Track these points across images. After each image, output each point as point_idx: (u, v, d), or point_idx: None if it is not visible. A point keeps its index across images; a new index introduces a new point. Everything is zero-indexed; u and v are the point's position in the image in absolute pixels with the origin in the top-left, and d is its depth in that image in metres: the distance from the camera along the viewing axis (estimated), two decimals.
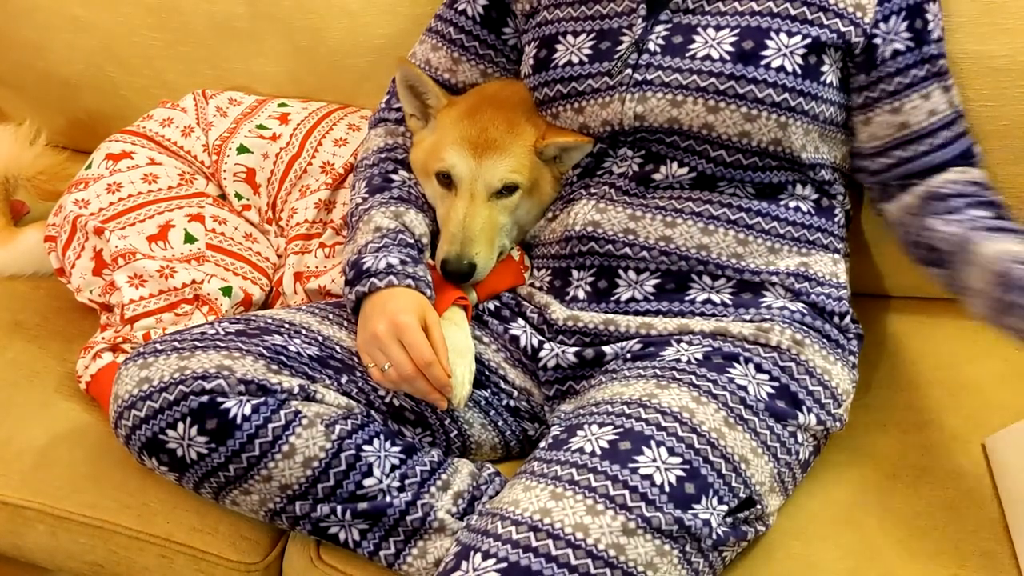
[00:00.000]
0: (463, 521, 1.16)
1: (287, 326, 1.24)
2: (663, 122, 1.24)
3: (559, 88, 1.31)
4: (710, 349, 1.19)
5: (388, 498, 1.16)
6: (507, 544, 1.00)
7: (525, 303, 1.33)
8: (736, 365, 1.18)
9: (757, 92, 1.20)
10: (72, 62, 1.82)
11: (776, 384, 1.18)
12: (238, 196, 1.57)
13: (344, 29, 1.66)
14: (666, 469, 1.05)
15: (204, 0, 1.71)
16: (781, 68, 1.20)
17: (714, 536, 1.06)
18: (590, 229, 1.27)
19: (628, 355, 1.22)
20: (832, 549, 1.17)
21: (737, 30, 1.22)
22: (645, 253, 1.25)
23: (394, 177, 1.37)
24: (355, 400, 1.22)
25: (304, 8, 1.67)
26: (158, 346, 1.18)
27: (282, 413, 1.14)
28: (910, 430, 1.30)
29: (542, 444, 1.13)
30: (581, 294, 1.28)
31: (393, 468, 1.17)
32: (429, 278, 1.26)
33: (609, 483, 1.03)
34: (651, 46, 1.25)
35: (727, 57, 1.21)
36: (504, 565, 0.98)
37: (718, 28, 1.23)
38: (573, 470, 1.04)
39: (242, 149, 1.56)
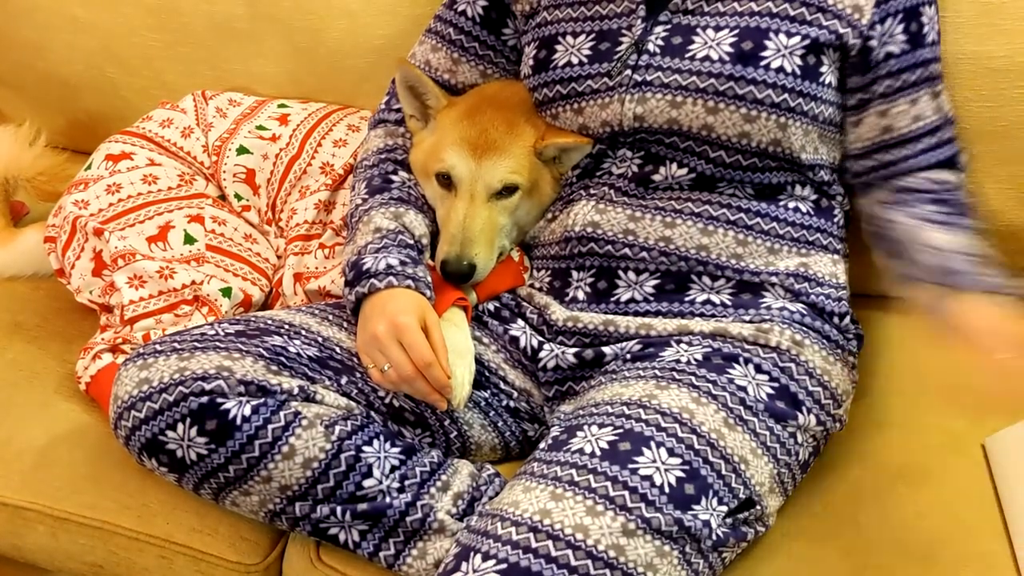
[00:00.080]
0: (463, 522, 1.16)
1: (287, 327, 1.24)
2: (662, 123, 1.24)
3: (558, 89, 1.31)
4: (710, 350, 1.19)
5: (388, 499, 1.16)
6: (507, 545, 1.00)
7: (525, 304, 1.33)
8: (736, 366, 1.18)
9: (757, 93, 1.20)
10: (72, 63, 1.82)
11: (776, 385, 1.18)
12: (238, 197, 1.57)
13: (344, 30, 1.66)
14: (666, 470, 1.05)
15: (204, 1, 1.71)
16: (780, 69, 1.20)
17: (714, 537, 1.06)
18: (590, 230, 1.27)
19: (628, 356, 1.22)
20: (832, 549, 1.17)
21: (736, 31, 1.22)
22: (645, 254, 1.25)
23: (394, 178, 1.37)
24: (355, 401, 1.22)
25: (304, 9, 1.67)
26: (158, 347, 1.18)
27: (282, 414, 1.14)
28: (910, 430, 1.30)
29: (542, 445, 1.13)
30: (581, 295, 1.28)
31: (393, 469, 1.17)
32: (429, 279, 1.26)
33: (609, 484, 1.03)
34: (650, 47, 1.25)
35: (726, 58, 1.21)
36: (504, 566, 0.98)
37: (717, 29, 1.23)
38: (573, 471, 1.04)
39: (242, 150, 1.56)
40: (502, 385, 1.30)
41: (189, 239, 1.48)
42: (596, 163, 1.31)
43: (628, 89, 1.25)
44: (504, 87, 1.41)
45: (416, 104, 1.40)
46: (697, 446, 1.08)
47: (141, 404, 1.14)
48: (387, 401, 1.24)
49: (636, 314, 1.25)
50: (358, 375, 1.23)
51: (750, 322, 1.23)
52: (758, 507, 1.13)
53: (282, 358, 1.19)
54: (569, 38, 1.31)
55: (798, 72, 1.21)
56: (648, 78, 1.24)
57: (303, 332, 1.25)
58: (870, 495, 1.23)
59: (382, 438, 1.19)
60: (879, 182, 1.29)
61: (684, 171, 1.26)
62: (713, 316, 1.24)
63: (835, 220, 1.31)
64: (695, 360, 1.18)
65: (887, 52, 1.23)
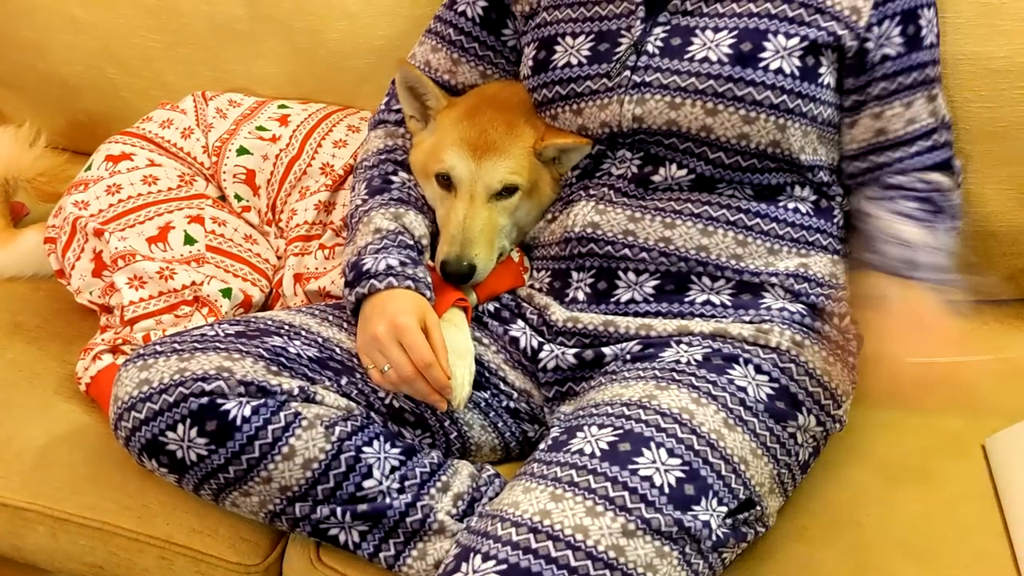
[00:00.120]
0: (463, 523, 1.16)
1: (287, 328, 1.24)
2: (662, 124, 1.24)
3: (558, 89, 1.31)
4: (710, 350, 1.19)
5: (388, 500, 1.16)
6: (507, 546, 1.00)
7: (525, 304, 1.33)
8: (736, 366, 1.18)
9: (755, 94, 1.20)
10: (72, 63, 1.82)
11: (776, 385, 1.18)
12: (238, 197, 1.57)
13: (344, 31, 1.66)
14: (666, 470, 1.05)
15: (204, 2, 1.71)
16: (779, 70, 1.20)
17: (714, 537, 1.06)
18: (589, 230, 1.27)
19: (628, 356, 1.22)
20: (832, 550, 1.17)
21: (735, 32, 1.22)
22: (644, 254, 1.25)
23: (394, 179, 1.37)
24: (355, 402, 1.22)
25: (304, 10, 1.67)
26: (158, 348, 1.18)
27: (282, 415, 1.14)
28: (910, 430, 1.30)
29: (542, 446, 1.13)
30: (581, 295, 1.28)
31: (393, 470, 1.17)
32: (429, 279, 1.26)
33: (609, 484, 1.03)
34: (650, 48, 1.25)
35: (725, 59, 1.21)
36: (504, 567, 0.98)
37: (716, 30, 1.23)
38: (573, 471, 1.04)
39: (242, 151, 1.56)
40: (502, 386, 1.30)
41: (189, 240, 1.48)
42: (595, 164, 1.31)
43: (627, 90, 1.25)
44: (504, 88, 1.41)
45: (416, 105, 1.40)
46: (697, 447, 1.08)
47: (141, 405, 1.14)
48: (387, 402, 1.24)
49: (636, 315, 1.25)
50: (358, 376, 1.23)
51: (750, 323, 1.23)
52: (758, 508, 1.13)
53: (282, 359, 1.19)
54: (568, 39, 1.31)
55: (797, 73, 1.21)
56: (647, 79, 1.24)
57: (303, 333, 1.25)
58: (870, 495, 1.23)
59: (382, 439, 1.19)
60: (872, 183, 1.30)
61: (683, 172, 1.26)
62: (713, 317, 1.24)
63: (835, 221, 1.31)
64: (695, 361, 1.18)
65: (883, 54, 1.23)
